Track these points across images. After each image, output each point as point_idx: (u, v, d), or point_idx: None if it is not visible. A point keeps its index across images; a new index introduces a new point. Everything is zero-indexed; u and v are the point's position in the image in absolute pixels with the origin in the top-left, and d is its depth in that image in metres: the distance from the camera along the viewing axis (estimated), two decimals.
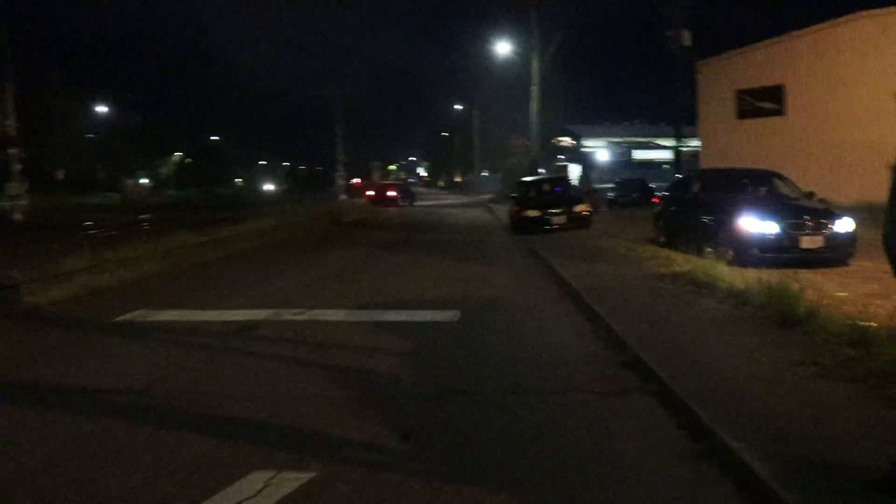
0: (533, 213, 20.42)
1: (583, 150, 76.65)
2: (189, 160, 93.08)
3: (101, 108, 71.14)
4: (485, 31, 55.25)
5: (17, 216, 30.97)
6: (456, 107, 79.06)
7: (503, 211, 27.48)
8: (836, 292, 8.31)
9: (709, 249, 11.15)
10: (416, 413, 5.10)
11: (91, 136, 70.45)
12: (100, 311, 9.37)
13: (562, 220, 20.00)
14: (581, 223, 20.09)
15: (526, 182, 24.42)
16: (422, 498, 3.73)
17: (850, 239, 11.04)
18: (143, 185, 73.38)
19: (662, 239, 14.82)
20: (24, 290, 10.34)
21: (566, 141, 74.05)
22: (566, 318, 8.45)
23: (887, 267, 3.49)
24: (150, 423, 4.91)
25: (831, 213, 11.30)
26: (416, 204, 48.89)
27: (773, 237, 10.94)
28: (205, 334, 7.83)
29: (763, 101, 27.90)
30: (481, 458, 4.25)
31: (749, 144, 27.67)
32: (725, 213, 11.67)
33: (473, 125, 71.11)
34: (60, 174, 56.86)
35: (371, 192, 48.56)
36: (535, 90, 34.25)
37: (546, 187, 23.43)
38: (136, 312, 9.16)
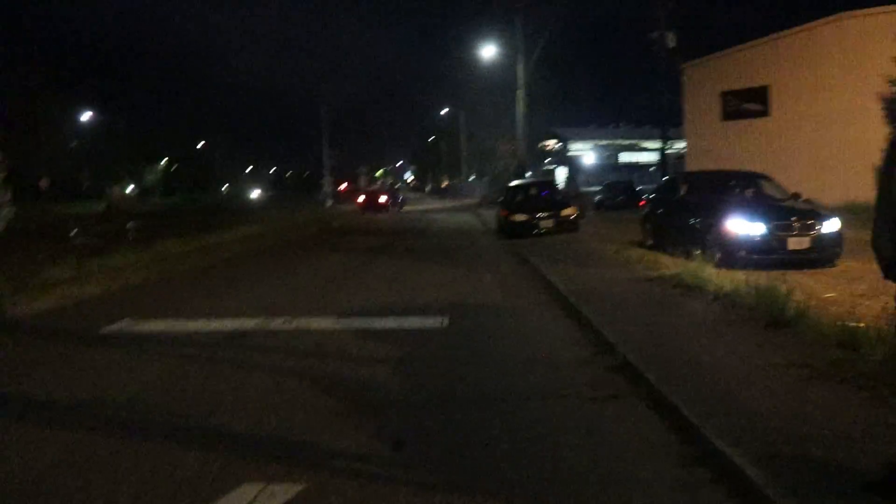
0: (520, 217, 20.43)
1: (569, 153, 76.92)
2: (175, 167, 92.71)
3: (86, 116, 70.68)
4: (471, 36, 55.27)
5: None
6: (443, 111, 79.16)
7: (490, 215, 27.50)
8: (824, 293, 8.34)
9: (696, 252, 11.17)
10: (406, 421, 5.05)
11: (75, 143, 69.99)
12: (85, 322, 9.27)
13: (549, 223, 20.02)
14: (569, 227, 20.12)
15: (513, 186, 24.44)
16: None
17: (837, 240, 11.09)
18: (128, 192, 72.97)
19: (650, 241, 14.85)
20: (7, 302, 10.19)
21: (552, 144, 74.28)
22: (555, 322, 8.43)
23: (874, 267, 3.50)
24: (135, 437, 4.84)
25: (817, 214, 11.35)
26: (404, 209, 48.87)
27: (760, 239, 10.98)
28: (192, 344, 7.75)
29: (748, 103, 28.09)
30: (474, 466, 4.21)
31: (734, 146, 27.84)
32: (712, 216, 11.71)
33: (460, 129, 71.18)
34: (44, 182, 56.41)
35: (362, 198, 48.26)
36: (520, 93, 34.34)
37: (533, 191, 23.44)
38: (122, 323, 9.06)
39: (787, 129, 26.51)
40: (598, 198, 37.21)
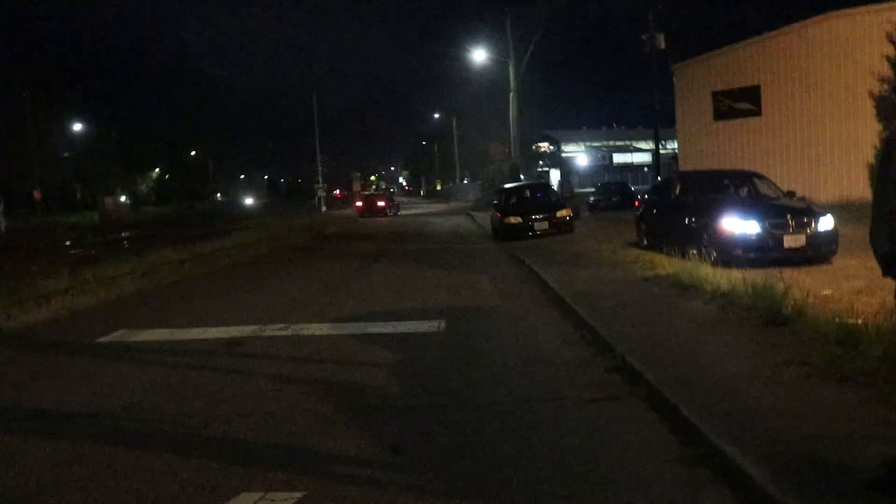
0: (515, 219, 20.41)
1: (563, 155, 77.02)
2: (168, 176, 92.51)
3: (78, 127, 70.49)
4: (462, 40, 55.45)
5: None
6: (435, 115, 79.28)
7: (485, 218, 27.47)
8: (821, 290, 8.33)
9: (692, 251, 11.17)
10: (405, 425, 5.03)
11: (67, 154, 69.78)
12: (80, 333, 9.21)
13: (544, 225, 20.01)
14: (563, 228, 20.11)
15: (507, 189, 24.42)
16: None
17: (832, 237, 11.10)
18: (121, 202, 72.77)
19: (645, 242, 14.85)
20: (2, 314, 10.16)
21: (545, 146, 74.39)
22: (553, 324, 8.41)
23: (870, 264, 3.49)
24: (133, 447, 4.80)
25: (812, 212, 11.36)
26: (399, 213, 49.02)
27: (755, 237, 10.99)
28: (188, 353, 7.71)
29: (740, 102, 28.11)
30: (474, 469, 4.19)
31: (727, 145, 27.88)
32: (708, 215, 11.71)
33: (453, 133, 71.26)
34: (37, 194, 56.26)
35: (360, 203, 49.12)
36: (512, 96, 34.39)
37: (527, 193, 23.43)
38: (118, 333, 9.01)
39: (780, 128, 26.56)
40: (592, 199, 37.23)
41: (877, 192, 3.44)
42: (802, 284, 8.33)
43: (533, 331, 8.10)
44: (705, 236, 11.58)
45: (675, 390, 5.00)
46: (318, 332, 8.48)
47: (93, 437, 5.06)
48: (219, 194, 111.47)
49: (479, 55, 38.13)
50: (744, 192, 13.30)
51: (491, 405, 5.39)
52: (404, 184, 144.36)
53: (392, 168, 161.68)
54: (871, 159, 19.80)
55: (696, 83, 29.62)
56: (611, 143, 80.00)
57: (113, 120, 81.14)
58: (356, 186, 78.92)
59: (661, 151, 33.05)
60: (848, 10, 24.63)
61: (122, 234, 26.53)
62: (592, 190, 43.26)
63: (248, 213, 66.17)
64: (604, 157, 78.72)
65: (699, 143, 29.26)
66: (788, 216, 11.16)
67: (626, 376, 5.81)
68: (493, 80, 42.38)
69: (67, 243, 18.71)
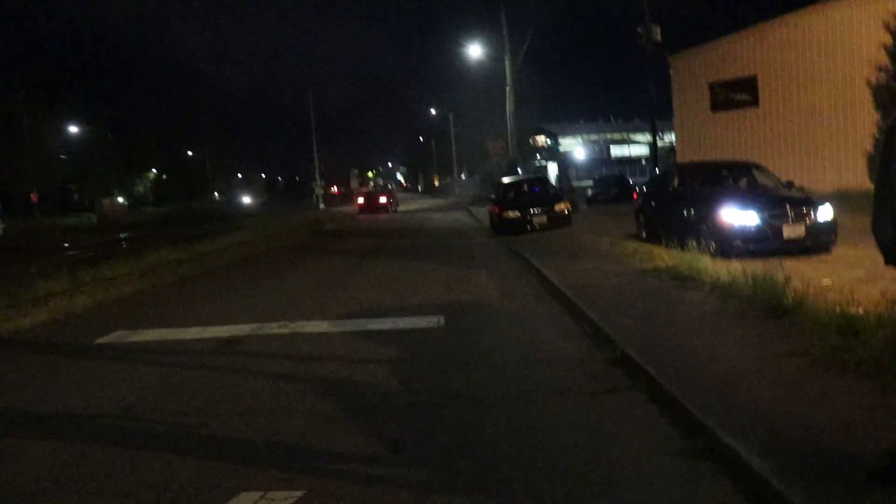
0: (513, 213, 20.38)
1: (560, 148, 76.92)
2: (165, 176, 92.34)
3: (74, 128, 70.31)
4: (458, 35, 55.41)
5: None
6: (432, 111, 79.16)
7: (483, 213, 27.45)
8: (821, 280, 8.30)
9: (691, 243, 11.14)
10: (405, 422, 5.01)
11: (64, 156, 69.60)
12: (78, 335, 9.18)
13: (542, 219, 19.98)
14: (562, 222, 20.08)
15: (505, 183, 24.36)
16: None
17: (831, 226, 11.07)
18: (119, 203, 72.64)
19: (644, 234, 14.82)
20: (0, 317, 10.12)
21: (543, 140, 74.31)
22: (552, 318, 8.39)
23: (869, 253, 3.47)
24: (132, 447, 4.78)
25: (811, 202, 11.33)
26: (398, 209, 48.99)
27: (755, 228, 10.96)
28: (186, 353, 7.69)
29: (736, 93, 28.06)
30: (475, 465, 4.16)
31: (725, 136, 27.84)
32: (706, 206, 11.68)
33: (450, 128, 71.17)
34: (34, 196, 56.14)
35: (361, 200, 48.69)
36: (509, 90, 34.34)
37: (525, 187, 23.38)
38: (116, 334, 8.98)
39: (777, 118, 26.51)
40: (590, 192, 37.20)
41: (879, 181, 3.40)
42: (802, 275, 8.32)
43: (532, 325, 8.07)
44: (704, 228, 11.55)
45: (675, 383, 4.98)
46: (316, 330, 8.45)
47: (92, 438, 5.04)
48: (217, 193, 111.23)
49: (475, 51, 38.10)
50: (742, 182, 13.27)
51: (491, 401, 5.37)
52: (402, 180, 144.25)
53: (389, 164, 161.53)
54: (869, 148, 19.76)
55: (693, 74, 29.56)
56: (608, 135, 79.85)
57: (111, 120, 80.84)
58: (354, 183, 78.89)
59: (659, 144, 32.99)
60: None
61: (121, 235, 26.48)
62: (590, 183, 43.23)
63: (246, 211, 66.12)
64: (601, 150, 78.55)
65: (697, 134, 29.21)
66: (787, 206, 11.13)
67: (627, 369, 5.78)
68: (489, 76, 42.31)
69: (65, 245, 18.65)
